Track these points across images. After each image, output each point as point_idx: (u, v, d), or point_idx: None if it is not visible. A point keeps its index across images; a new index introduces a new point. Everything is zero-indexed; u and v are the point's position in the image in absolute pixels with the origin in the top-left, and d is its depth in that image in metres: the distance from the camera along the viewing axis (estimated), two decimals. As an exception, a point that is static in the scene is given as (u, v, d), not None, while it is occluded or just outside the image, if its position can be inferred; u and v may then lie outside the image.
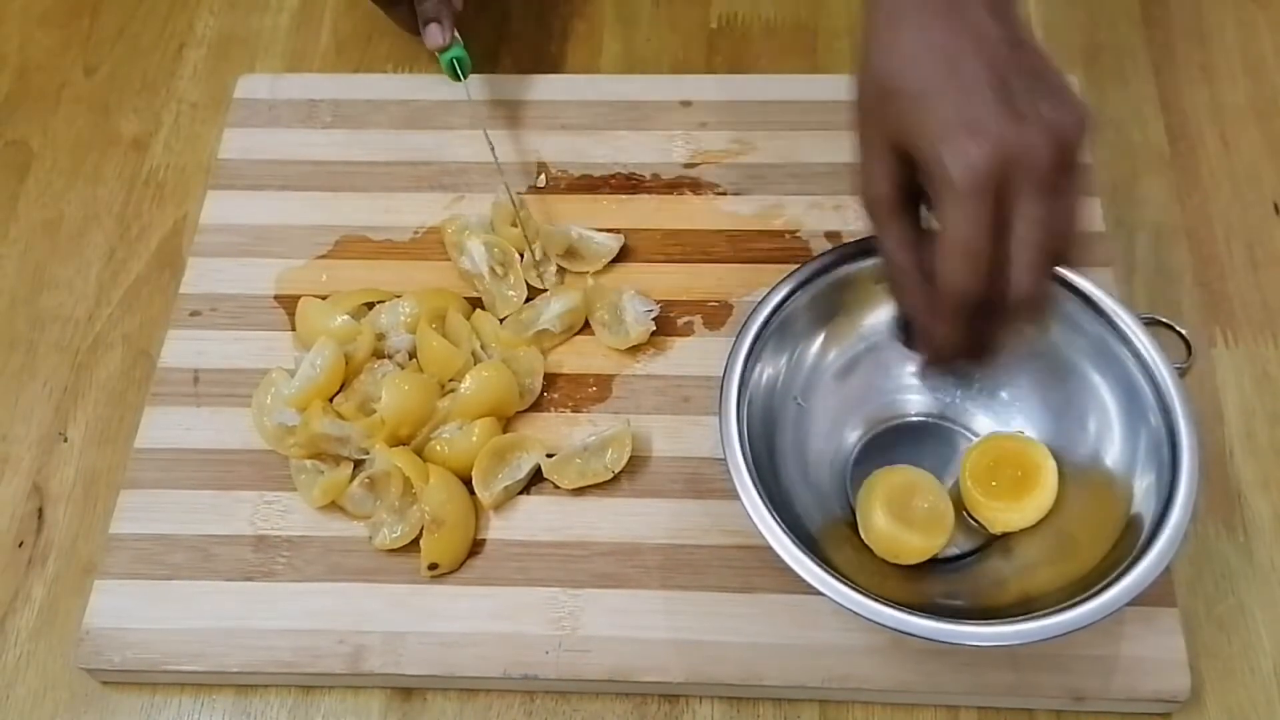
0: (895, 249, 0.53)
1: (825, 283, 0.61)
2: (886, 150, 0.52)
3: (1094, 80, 0.78)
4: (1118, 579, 0.51)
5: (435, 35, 0.71)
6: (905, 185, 0.52)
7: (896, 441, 0.63)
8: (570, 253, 0.69)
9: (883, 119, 0.52)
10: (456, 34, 0.72)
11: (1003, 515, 0.58)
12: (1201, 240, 0.72)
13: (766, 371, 0.59)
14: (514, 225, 0.69)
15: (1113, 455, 0.58)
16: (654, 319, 0.66)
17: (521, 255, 0.69)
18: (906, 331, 0.58)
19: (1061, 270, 0.54)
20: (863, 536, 0.59)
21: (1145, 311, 0.67)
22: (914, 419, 0.63)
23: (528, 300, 0.68)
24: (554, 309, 0.66)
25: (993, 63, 0.49)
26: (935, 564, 0.59)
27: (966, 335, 0.52)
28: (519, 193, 0.72)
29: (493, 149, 0.71)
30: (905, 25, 0.51)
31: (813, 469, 0.61)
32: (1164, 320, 0.67)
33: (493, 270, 0.68)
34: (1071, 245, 0.51)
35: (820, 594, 0.52)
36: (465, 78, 0.73)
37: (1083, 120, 0.50)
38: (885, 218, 0.53)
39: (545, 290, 0.68)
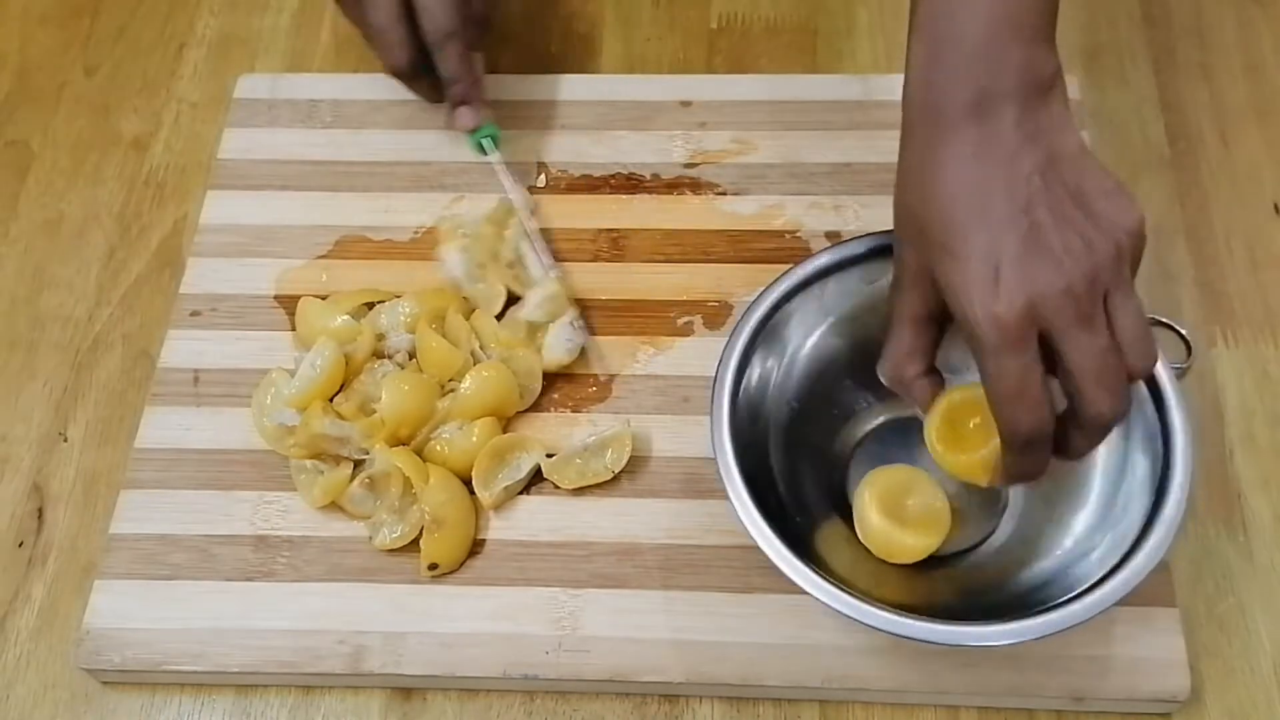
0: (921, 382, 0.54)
1: (820, 283, 0.61)
2: (922, 278, 0.51)
3: (1094, 80, 0.78)
4: (1111, 575, 0.51)
5: (467, 119, 0.71)
6: (935, 310, 0.52)
7: (892, 439, 0.63)
8: (514, 263, 0.69)
9: (919, 254, 0.51)
10: (488, 110, 0.72)
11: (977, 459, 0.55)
12: (1201, 240, 0.72)
13: (758, 372, 0.59)
14: (505, 230, 0.69)
15: (1106, 447, 0.58)
16: (576, 349, 0.66)
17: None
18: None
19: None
20: (860, 537, 0.59)
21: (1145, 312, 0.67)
22: (909, 416, 0.63)
23: (509, 302, 0.68)
24: (534, 299, 0.66)
25: (1022, 202, 0.48)
26: (936, 563, 0.59)
27: (1045, 458, 0.51)
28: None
29: (527, 228, 0.70)
30: (935, 152, 0.49)
31: (808, 470, 0.61)
32: (1164, 320, 0.67)
33: (470, 274, 0.68)
34: (1146, 346, 0.49)
35: (807, 594, 0.52)
36: (496, 150, 0.72)
37: (1136, 218, 0.48)
38: (905, 327, 0.53)
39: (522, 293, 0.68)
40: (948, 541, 0.59)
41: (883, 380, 0.55)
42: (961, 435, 0.55)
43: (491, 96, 0.75)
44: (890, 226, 0.55)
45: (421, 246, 0.71)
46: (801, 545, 0.53)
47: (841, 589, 0.52)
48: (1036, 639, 0.51)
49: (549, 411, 0.66)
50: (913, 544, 0.57)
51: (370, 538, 0.61)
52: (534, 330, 0.66)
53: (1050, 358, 0.48)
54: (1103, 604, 0.51)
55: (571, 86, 0.77)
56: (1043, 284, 0.47)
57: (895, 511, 0.58)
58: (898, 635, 0.51)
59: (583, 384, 0.66)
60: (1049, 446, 0.50)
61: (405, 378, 0.64)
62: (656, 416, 0.65)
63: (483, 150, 0.73)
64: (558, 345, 0.65)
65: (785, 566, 0.52)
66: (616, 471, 0.62)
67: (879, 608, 0.51)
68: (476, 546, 0.61)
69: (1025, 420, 0.48)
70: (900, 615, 0.51)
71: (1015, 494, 0.61)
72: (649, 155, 0.74)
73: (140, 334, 0.71)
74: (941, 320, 0.53)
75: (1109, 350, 0.48)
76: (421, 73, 0.70)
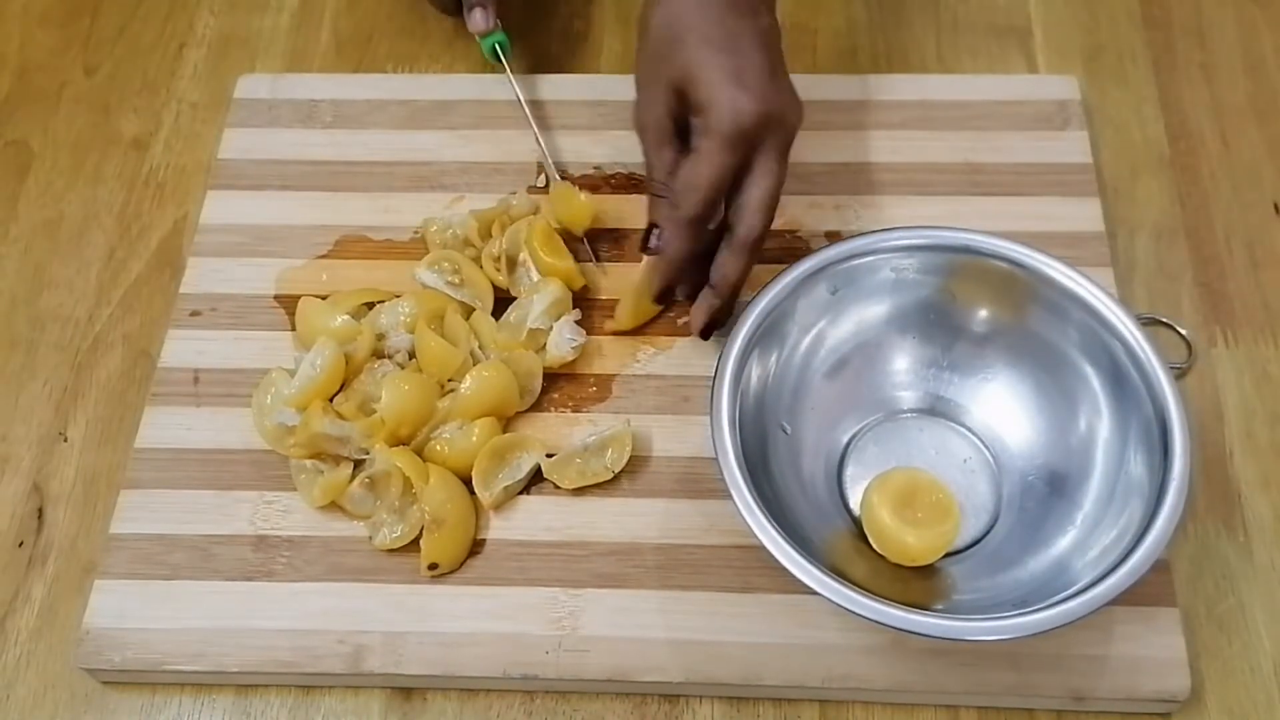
0: (659, 168, 0.62)
1: (818, 280, 0.61)
2: (667, 87, 0.60)
3: (1094, 80, 0.78)
4: (1110, 573, 0.51)
5: (479, 20, 0.74)
6: (676, 119, 0.61)
7: (889, 438, 0.63)
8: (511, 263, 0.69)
9: (668, 61, 0.60)
10: (497, 19, 0.74)
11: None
12: (1201, 240, 0.72)
13: (758, 371, 0.60)
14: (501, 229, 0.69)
15: (1104, 445, 0.58)
16: (579, 347, 0.66)
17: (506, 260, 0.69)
18: (647, 240, 0.62)
19: (1050, 260, 0.59)
20: (873, 544, 0.59)
21: (1145, 311, 0.68)
22: (905, 415, 0.64)
23: (502, 302, 0.68)
24: (537, 306, 0.66)
25: (764, 42, 0.60)
26: (953, 562, 0.59)
27: (694, 258, 0.61)
28: (513, 192, 0.73)
29: (534, 125, 0.73)
30: None
31: (808, 477, 0.61)
32: (1164, 320, 0.67)
33: (449, 284, 0.68)
34: (775, 208, 0.60)
35: (804, 585, 0.52)
36: (507, 61, 0.74)
37: (801, 114, 0.61)
38: (655, 143, 0.62)
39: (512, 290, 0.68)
40: (960, 536, 0.59)
41: (636, 123, 0.63)
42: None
43: (491, 96, 0.76)
44: (890, 226, 0.55)
45: (421, 246, 0.71)
46: (802, 544, 0.53)
47: (844, 584, 0.52)
48: (1034, 635, 0.51)
49: (549, 411, 0.66)
50: (930, 543, 0.57)
51: (370, 538, 0.61)
52: (535, 331, 0.66)
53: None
54: (1100, 601, 0.51)
55: (571, 86, 0.77)
56: (779, 103, 0.59)
57: (907, 513, 0.58)
58: (898, 629, 0.51)
59: (583, 384, 0.66)
60: (704, 237, 0.61)
61: (405, 378, 0.64)
62: (656, 416, 0.65)
63: (496, 58, 0.75)
64: (558, 345, 0.65)
65: (787, 562, 0.52)
66: (616, 471, 0.62)
67: (881, 602, 0.51)
68: (476, 546, 0.61)
69: (701, 205, 0.59)
70: (899, 609, 0.51)
71: (1013, 493, 0.61)
72: (649, 155, 0.74)
73: (140, 334, 0.71)
74: (677, 132, 0.62)
75: (781, 184, 0.60)
76: None
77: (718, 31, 0.59)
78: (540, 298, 0.66)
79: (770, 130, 0.59)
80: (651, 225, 0.62)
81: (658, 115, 0.61)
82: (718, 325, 0.63)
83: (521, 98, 0.74)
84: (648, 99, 0.62)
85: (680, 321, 0.68)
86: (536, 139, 0.73)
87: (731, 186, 0.60)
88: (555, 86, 0.77)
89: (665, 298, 0.64)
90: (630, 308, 0.66)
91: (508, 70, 0.74)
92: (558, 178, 0.72)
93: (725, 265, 0.61)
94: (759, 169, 0.59)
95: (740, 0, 0.61)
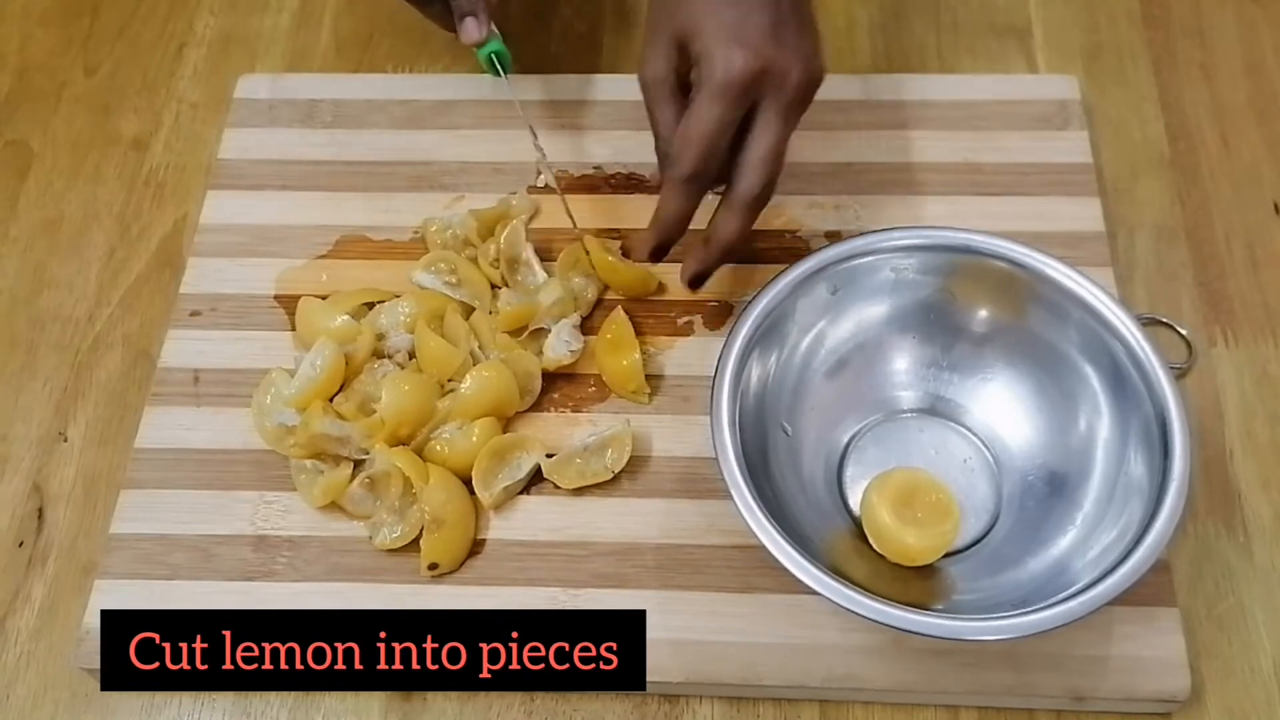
0: (662, 124, 0.61)
1: (817, 280, 0.61)
2: (669, 41, 0.59)
3: (1094, 80, 0.78)
4: (1110, 573, 0.51)
5: (471, 30, 0.69)
6: (680, 73, 0.60)
7: (889, 438, 0.63)
8: (512, 263, 0.69)
9: (672, 14, 0.59)
10: (494, 27, 0.70)
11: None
12: (1201, 240, 0.72)
13: (757, 370, 0.60)
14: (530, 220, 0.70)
15: (1104, 445, 0.58)
16: (577, 352, 0.66)
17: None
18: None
19: (1050, 260, 0.59)
20: (873, 544, 0.59)
21: (1145, 311, 0.67)
22: (905, 415, 0.63)
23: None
24: (541, 308, 0.66)
25: None
26: (953, 562, 0.59)
27: (687, 215, 0.61)
28: (513, 192, 0.73)
29: (535, 138, 0.71)
30: None
31: (808, 477, 0.61)
32: (1164, 320, 0.67)
33: (447, 284, 0.68)
34: (780, 170, 0.59)
35: (804, 585, 0.52)
36: (506, 73, 0.71)
37: (824, 68, 0.59)
38: (658, 96, 0.61)
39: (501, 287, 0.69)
40: (960, 535, 0.59)
41: (640, 78, 0.61)
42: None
43: (491, 97, 0.76)
44: (890, 226, 0.55)
45: (421, 247, 0.71)
46: (802, 544, 0.53)
47: (844, 584, 0.52)
48: (1034, 635, 0.51)
49: (549, 411, 0.66)
50: (930, 543, 0.57)
51: (370, 538, 0.61)
52: (537, 332, 0.66)
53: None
54: (1100, 600, 0.51)
55: (572, 86, 0.77)
56: (778, 59, 0.57)
57: (907, 513, 0.58)
58: (898, 628, 0.51)
59: (583, 384, 0.66)
60: (698, 194, 0.60)
61: (405, 378, 0.64)
62: (656, 416, 0.65)
63: (494, 70, 0.71)
64: (558, 345, 0.65)
65: (787, 562, 0.52)
66: (616, 471, 0.62)
67: (881, 602, 0.51)
68: (476, 546, 0.61)
69: (699, 160, 0.58)
70: (900, 609, 0.51)
71: (1013, 493, 0.61)
72: (649, 155, 0.73)
73: (140, 334, 0.71)
74: (679, 86, 0.61)
75: (783, 142, 0.59)
76: None
77: None
78: (545, 294, 0.66)
79: (769, 85, 0.57)
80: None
81: (658, 69, 0.60)
82: (705, 276, 0.63)
83: (526, 113, 0.71)
84: (651, 54, 0.61)
85: (681, 321, 0.68)
86: (539, 154, 0.71)
87: (734, 144, 0.58)
88: (555, 86, 0.77)
89: (658, 255, 0.63)
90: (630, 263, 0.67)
91: (507, 83, 0.71)
92: (560, 194, 0.70)
93: (720, 222, 0.60)
94: (757, 125, 0.58)
95: None
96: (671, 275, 0.68)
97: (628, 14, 0.83)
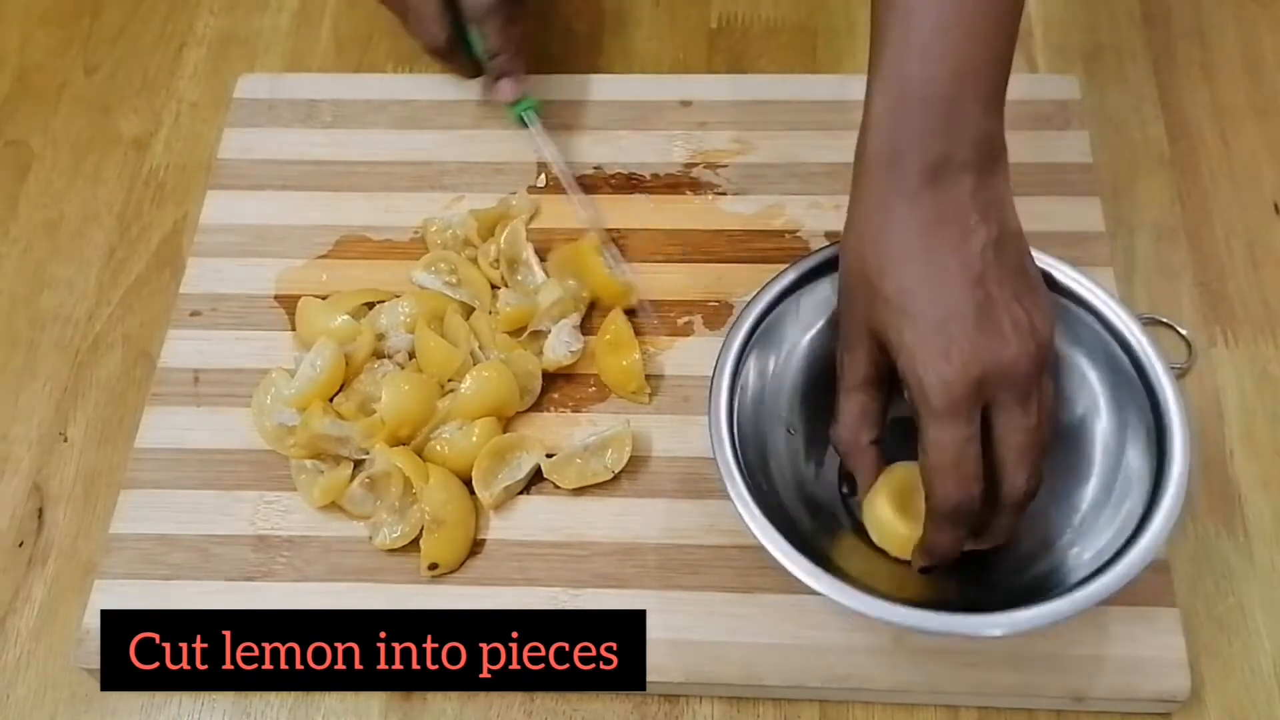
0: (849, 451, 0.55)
1: (816, 280, 0.61)
2: (867, 335, 0.52)
3: (1094, 80, 0.78)
4: (1105, 569, 0.51)
5: (507, 91, 0.72)
6: (883, 370, 0.53)
7: (889, 436, 0.63)
8: (512, 263, 0.69)
9: (866, 310, 0.52)
10: (526, 81, 0.72)
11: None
12: (1201, 240, 0.72)
13: (755, 370, 0.59)
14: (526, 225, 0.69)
15: (1103, 444, 0.58)
16: (577, 352, 0.66)
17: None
18: (849, 485, 0.59)
19: (1050, 260, 0.58)
20: (874, 540, 0.59)
21: (1145, 311, 0.67)
22: (904, 415, 0.63)
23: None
24: (541, 309, 0.66)
25: (976, 273, 0.50)
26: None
27: (960, 544, 0.53)
28: (513, 192, 0.73)
29: (577, 187, 0.71)
30: (892, 212, 0.51)
31: (808, 477, 0.61)
32: (1164, 320, 0.67)
33: (447, 284, 0.68)
34: (1042, 455, 0.52)
35: (804, 584, 0.52)
36: (537, 121, 0.73)
37: (1047, 332, 0.51)
38: (859, 392, 0.54)
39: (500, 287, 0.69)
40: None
41: (835, 446, 0.56)
42: (911, 511, 0.56)
43: (490, 98, 0.76)
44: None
45: (421, 247, 0.71)
46: (802, 543, 0.53)
47: (844, 582, 0.52)
48: (1031, 630, 0.51)
49: (549, 411, 0.66)
50: None
51: (370, 538, 0.61)
52: (537, 332, 0.66)
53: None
54: (1098, 596, 0.51)
55: (571, 86, 0.77)
56: (994, 358, 0.49)
57: (910, 508, 0.58)
58: (897, 624, 0.51)
59: (582, 384, 0.66)
60: (970, 524, 0.52)
61: (405, 378, 0.64)
62: (656, 416, 0.65)
63: (523, 123, 0.73)
64: (558, 346, 0.65)
65: (787, 561, 0.52)
66: (616, 471, 0.62)
67: (880, 599, 0.51)
68: (476, 546, 0.61)
69: (957, 491, 0.50)
70: (898, 605, 0.51)
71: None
72: (649, 155, 0.74)
73: (140, 334, 0.71)
74: (889, 385, 0.54)
75: (1039, 428, 0.51)
76: (458, 49, 0.71)
77: (915, 275, 0.50)
78: (545, 295, 0.66)
79: (993, 387, 0.49)
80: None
81: (862, 373, 0.54)
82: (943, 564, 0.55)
83: (559, 160, 0.72)
84: (853, 351, 0.54)
85: (681, 321, 0.68)
86: (582, 209, 0.71)
87: (985, 442, 0.51)
88: (555, 86, 0.77)
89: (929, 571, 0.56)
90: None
91: (539, 136, 0.72)
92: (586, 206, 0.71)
93: (993, 528, 0.54)
94: (998, 428, 0.50)
95: (949, 209, 0.50)
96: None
97: (628, 14, 0.83)
